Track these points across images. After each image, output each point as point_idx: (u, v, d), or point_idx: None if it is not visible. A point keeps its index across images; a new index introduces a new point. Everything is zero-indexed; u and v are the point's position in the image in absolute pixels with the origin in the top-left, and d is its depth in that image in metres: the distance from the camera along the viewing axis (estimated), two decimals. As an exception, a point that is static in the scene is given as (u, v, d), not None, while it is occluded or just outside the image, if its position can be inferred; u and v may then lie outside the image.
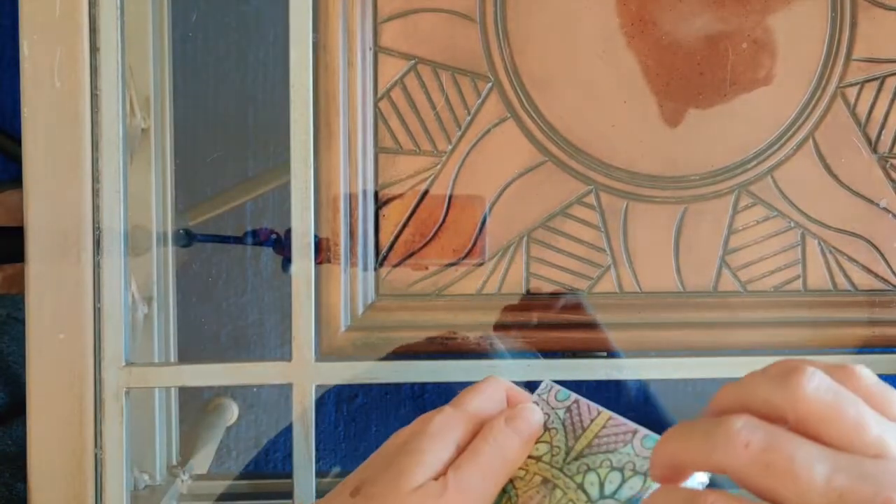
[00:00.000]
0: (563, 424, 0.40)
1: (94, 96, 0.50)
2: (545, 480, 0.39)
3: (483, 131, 0.55)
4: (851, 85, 0.55)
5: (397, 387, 1.02)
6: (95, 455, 0.51)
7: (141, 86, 0.64)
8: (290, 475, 0.54)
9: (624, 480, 0.37)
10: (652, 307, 0.55)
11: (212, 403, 1.00)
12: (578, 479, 0.38)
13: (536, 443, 0.40)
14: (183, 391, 0.73)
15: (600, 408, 0.40)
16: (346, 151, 0.54)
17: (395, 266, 0.55)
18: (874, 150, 0.56)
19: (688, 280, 0.56)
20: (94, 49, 0.50)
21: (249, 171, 1.03)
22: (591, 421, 0.40)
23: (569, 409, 0.40)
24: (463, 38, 0.54)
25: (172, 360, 0.69)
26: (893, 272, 0.56)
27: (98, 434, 0.51)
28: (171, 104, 0.68)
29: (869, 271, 0.56)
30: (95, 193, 0.50)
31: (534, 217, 0.55)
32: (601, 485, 0.38)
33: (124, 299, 0.51)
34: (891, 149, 0.56)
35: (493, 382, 0.42)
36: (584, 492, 0.38)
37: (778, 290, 0.56)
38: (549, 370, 0.53)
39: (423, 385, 1.02)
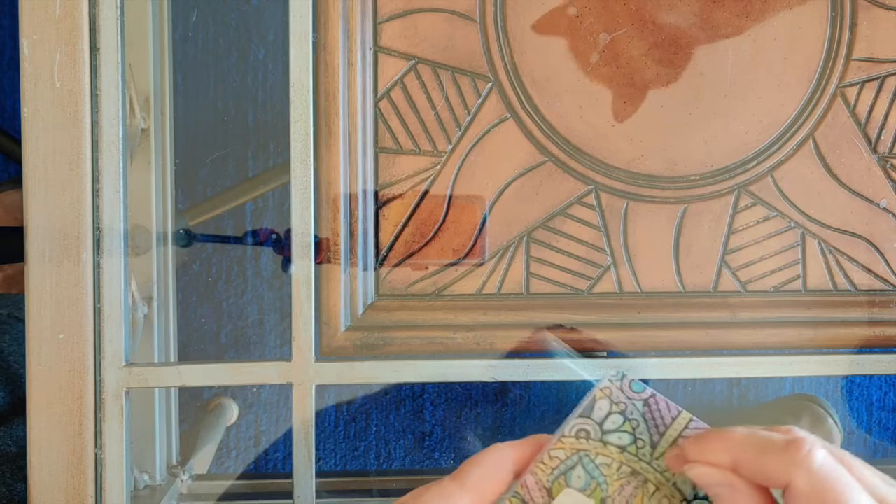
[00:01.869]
0: (644, 417, 0.40)
1: (94, 96, 0.50)
2: (634, 472, 0.39)
3: (483, 131, 0.55)
4: (851, 85, 0.55)
5: (397, 387, 1.02)
6: (95, 455, 0.51)
7: (141, 86, 0.64)
8: (290, 475, 0.54)
9: None
10: (652, 307, 0.55)
11: (212, 403, 1.00)
12: (668, 475, 0.39)
13: (617, 431, 0.40)
14: (183, 391, 0.73)
15: (678, 406, 0.40)
16: (346, 151, 0.54)
17: (395, 266, 0.55)
18: (874, 150, 0.56)
19: (688, 280, 0.56)
20: (94, 49, 0.50)
21: (249, 171, 1.03)
22: (673, 419, 0.40)
23: (646, 403, 0.40)
24: (463, 37, 0.54)
25: (172, 360, 0.69)
26: (893, 272, 0.56)
27: (98, 434, 0.51)
28: (171, 104, 0.68)
29: (869, 271, 0.56)
30: (95, 193, 0.50)
31: (534, 217, 0.55)
32: (693, 485, 0.38)
33: (124, 299, 0.51)
34: (891, 149, 0.56)
35: (497, 452, 0.39)
36: (679, 489, 0.39)
37: (778, 290, 0.56)
38: (549, 370, 0.53)
39: (423, 385, 1.02)
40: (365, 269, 0.55)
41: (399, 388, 1.02)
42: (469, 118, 0.55)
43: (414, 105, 0.55)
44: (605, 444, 0.40)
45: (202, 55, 1.02)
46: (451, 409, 1.02)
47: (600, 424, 0.40)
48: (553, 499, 0.39)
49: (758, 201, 0.56)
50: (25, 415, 0.50)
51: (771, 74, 0.55)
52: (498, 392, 0.96)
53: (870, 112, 0.55)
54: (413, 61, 0.54)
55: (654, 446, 0.39)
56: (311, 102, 0.51)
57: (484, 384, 0.61)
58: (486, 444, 0.40)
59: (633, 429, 0.40)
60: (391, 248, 0.55)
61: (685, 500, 0.39)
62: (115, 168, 0.50)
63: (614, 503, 0.39)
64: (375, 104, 0.55)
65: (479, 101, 0.55)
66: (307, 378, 0.52)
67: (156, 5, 0.64)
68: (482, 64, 0.54)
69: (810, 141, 0.55)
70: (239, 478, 0.70)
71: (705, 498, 0.39)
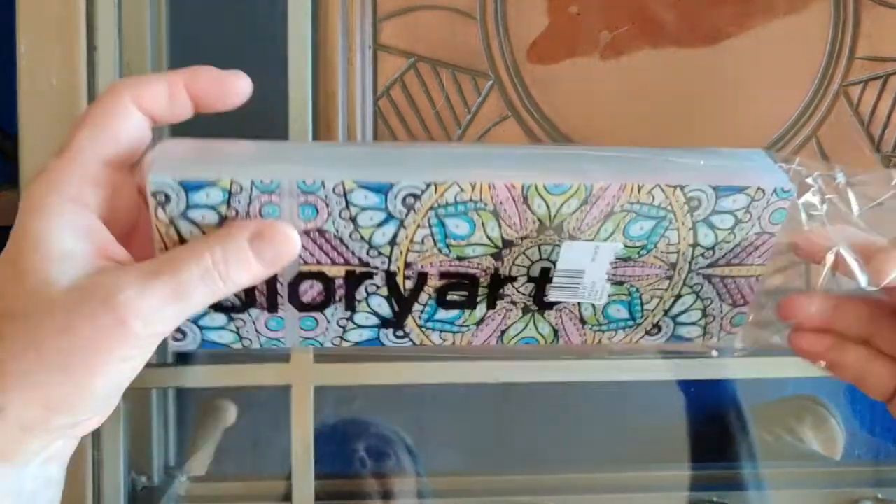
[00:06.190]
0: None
1: (92, 95, 0.50)
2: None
3: (484, 130, 0.55)
4: (854, 84, 0.55)
5: (397, 388, 1.02)
6: (93, 456, 0.51)
7: (139, 85, 0.63)
8: (288, 477, 0.53)
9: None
10: (653, 307, 0.55)
11: (210, 405, 1.00)
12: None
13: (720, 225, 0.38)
14: (181, 392, 0.72)
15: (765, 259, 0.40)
16: (346, 150, 0.54)
17: (395, 266, 0.55)
18: (877, 148, 0.55)
19: (689, 280, 0.55)
20: (91, 48, 0.50)
21: (248, 171, 1.03)
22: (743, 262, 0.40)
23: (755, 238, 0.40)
24: (463, 35, 0.54)
25: (171, 360, 0.69)
26: None
27: (95, 435, 0.51)
28: (169, 104, 0.67)
29: (872, 271, 0.56)
30: (93, 193, 0.50)
31: (534, 217, 0.55)
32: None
33: (122, 299, 0.51)
34: (894, 147, 0.55)
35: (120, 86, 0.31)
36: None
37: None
38: (549, 371, 0.53)
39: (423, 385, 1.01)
40: (364, 269, 0.55)
41: (399, 388, 1.02)
42: (469, 116, 0.54)
43: (414, 103, 0.54)
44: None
45: (201, 55, 1.02)
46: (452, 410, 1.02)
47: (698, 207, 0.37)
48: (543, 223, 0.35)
49: (760, 201, 0.55)
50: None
51: (773, 73, 0.55)
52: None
53: (873, 111, 0.55)
54: (413, 59, 0.54)
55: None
56: (311, 101, 0.51)
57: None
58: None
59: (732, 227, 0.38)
60: (391, 247, 0.55)
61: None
62: (113, 167, 0.50)
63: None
64: (375, 102, 0.54)
65: (480, 99, 0.54)
66: (306, 379, 0.51)
67: (154, 4, 0.64)
68: (483, 62, 0.54)
69: (813, 140, 0.55)
70: (237, 479, 0.70)
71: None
